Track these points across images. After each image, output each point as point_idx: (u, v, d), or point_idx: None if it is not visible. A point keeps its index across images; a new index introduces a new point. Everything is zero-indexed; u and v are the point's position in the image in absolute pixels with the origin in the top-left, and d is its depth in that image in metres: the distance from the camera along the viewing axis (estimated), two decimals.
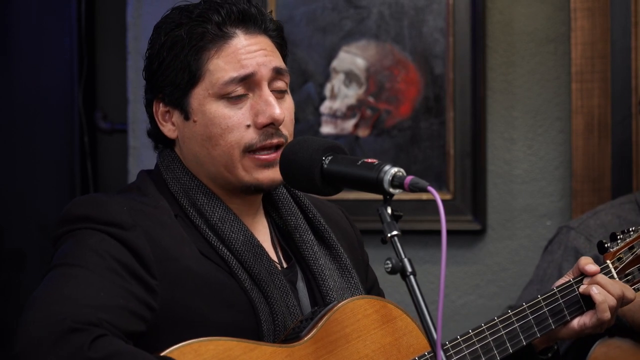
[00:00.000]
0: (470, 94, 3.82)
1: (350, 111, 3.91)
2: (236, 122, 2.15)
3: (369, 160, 1.98)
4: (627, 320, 2.92)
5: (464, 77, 3.82)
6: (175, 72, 2.17)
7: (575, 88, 3.72)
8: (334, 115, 3.93)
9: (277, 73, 2.19)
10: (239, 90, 2.16)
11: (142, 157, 4.06)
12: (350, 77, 3.91)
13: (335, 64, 3.92)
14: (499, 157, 3.86)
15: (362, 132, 3.91)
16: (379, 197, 1.93)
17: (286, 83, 2.22)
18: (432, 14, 3.84)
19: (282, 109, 2.17)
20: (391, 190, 1.91)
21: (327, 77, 3.93)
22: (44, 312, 1.87)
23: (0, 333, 4.33)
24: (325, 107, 3.93)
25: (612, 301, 2.34)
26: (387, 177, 1.92)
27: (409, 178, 1.89)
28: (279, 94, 2.20)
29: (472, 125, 3.82)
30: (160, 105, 2.22)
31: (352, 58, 3.91)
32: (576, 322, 2.36)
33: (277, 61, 2.20)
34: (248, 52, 2.16)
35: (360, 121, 3.91)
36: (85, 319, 1.86)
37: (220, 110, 2.15)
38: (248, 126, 2.15)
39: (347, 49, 3.91)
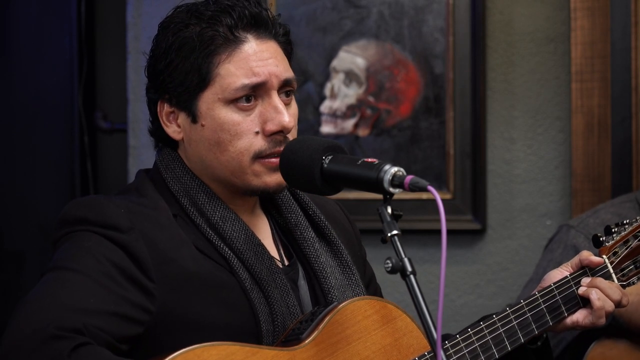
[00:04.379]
0: (470, 94, 3.82)
1: (350, 111, 3.91)
2: (245, 128, 2.13)
3: (369, 159, 1.98)
4: (624, 321, 2.92)
5: (464, 77, 3.82)
6: (184, 75, 2.13)
7: (575, 88, 3.72)
8: (334, 115, 3.92)
9: (286, 84, 2.18)
10: (249, 97, 2.14)
11: (142, 157, 4.06)
12: (350, 77, 3.91)
13: (335, 63, 3.92)
14: (499, 157, 3.86)
15: (362, 132, 3.91)
16: (379, 196, 1.93)
17: (294, 87, 2.21)
18: (432, 13, 3.84)
19: (290, 116, 2.16)
20: (391, 189, 1.91)
21: (327, 76, 3.92)
22: (30, 317, 1.87)
23: (0, 334, 4.32)
24: (325, 106, 3.93)
25: (610, 307, 2.32)
26: (387, 177, 1.91)
27: (409, 177, 1.89)
28: (287, 98, 2.19)
29: (472, 125, 3.82)
30: (166, 105, 2.18)
31: (352, 58, 3.91)
32: (569, 319, 2.34)
33: (287, 72, 2.18)
34: (260, 58, 2.14)
35: (360, 121, 3.91)
36: (69, 325, 1.85)
37: (229, 115, 2.13)
38: (257, 133, 2.14)
39: (347, 48, 3.91)
